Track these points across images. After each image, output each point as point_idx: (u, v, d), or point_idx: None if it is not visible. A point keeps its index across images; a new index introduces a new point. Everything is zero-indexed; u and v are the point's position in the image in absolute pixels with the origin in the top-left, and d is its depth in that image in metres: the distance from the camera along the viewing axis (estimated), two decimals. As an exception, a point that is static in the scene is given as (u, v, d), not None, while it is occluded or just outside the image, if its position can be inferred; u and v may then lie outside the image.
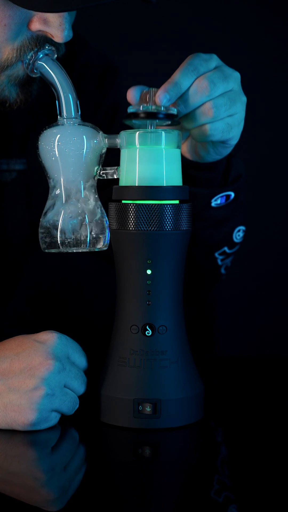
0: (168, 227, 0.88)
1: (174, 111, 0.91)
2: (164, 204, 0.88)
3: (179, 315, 0.91)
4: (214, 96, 0.95)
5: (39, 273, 1.32)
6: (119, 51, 1.52)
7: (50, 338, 0.88)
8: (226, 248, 1.16)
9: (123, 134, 0.91)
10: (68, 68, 0.98)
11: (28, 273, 1.30)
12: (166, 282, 0.89)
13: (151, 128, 0.92)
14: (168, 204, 0.88)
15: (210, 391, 0.96)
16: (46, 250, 0.93)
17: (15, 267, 1.28)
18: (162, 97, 0.92)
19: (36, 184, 1.17)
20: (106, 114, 1.25)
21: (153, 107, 0.91)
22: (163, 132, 0.90)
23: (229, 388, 1.05)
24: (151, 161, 0.89)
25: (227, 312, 1.71)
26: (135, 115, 0.90)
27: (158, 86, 0.94)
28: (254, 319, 1.73)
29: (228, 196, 1.11)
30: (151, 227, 0.88)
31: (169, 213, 0.88)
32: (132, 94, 0.95)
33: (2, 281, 1.28)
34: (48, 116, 1.05)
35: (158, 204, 0.88)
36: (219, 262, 1.17)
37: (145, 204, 0.88)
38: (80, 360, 0.90)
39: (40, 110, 1.16)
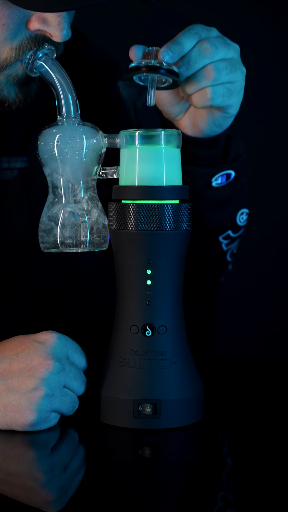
0: (168, 227, 0.88)
1: (176, 69, 0.91)
2: (164, 204, 0.88)
3: (179, 315, 0.91)
4: (216, 59, 0.97)
5: (39, 273, 1.31)
6: (119, 47, 1.52)
7: (49, 338, 0.87)
8: (230, 232, 1.16)
9: (123, 133, 0.91)
10: (69, 64, 0.98)
11: (28, 272, 1.29)
12: (166, 282, 0.89)
13: (152, 89, 0.91)
14: (168, 204, 0.88)
15: (210, 392, 0.95)
16: (46, 250, 0.92)
17: (16, 266, 1.28)
18: (164, 54, 0.92)
19: (38, 182, 1.17)
20: (107, 110, 1.25)
21: (155, 61, 0.91)
22: (163, 132, 0.90)
23: (229, 389, 1.05)
24: (151, 160, 0.89)
25: (227, 312, 1.71)
26: (136, 68, 0.90)
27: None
28: (254, 319, 1.73)
29: (228, 175, 1.11)
30: (151, 227, 0.88)
31: (169, 213, 0.88)
32: (135, 52, 0.95)
33: (2, 279, 1.27)
34: (49, 114, 1.05)
35: (158, 204, 0.88)
36: (224, 248, 1.17)
37: (145, 204, 0.88)
38: (80, 360, 0.90)
39: (42, 107, 1.16)
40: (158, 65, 0.91)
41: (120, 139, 0.91)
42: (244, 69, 1.00)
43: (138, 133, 0.89)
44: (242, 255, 1.66)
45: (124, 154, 0.91)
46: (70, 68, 0.95)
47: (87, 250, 0.92)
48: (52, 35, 0.93)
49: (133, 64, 0.91)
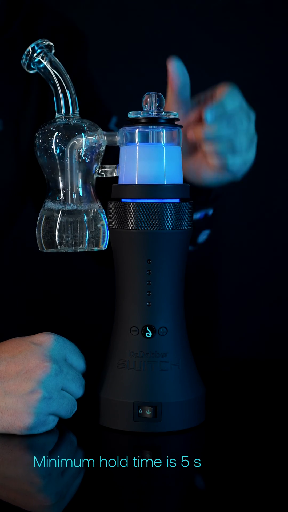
0: (169, 226, 0.87)
1: (175, 115, 0.90)
2: (164, 203, 0.87)
3: (180, 316, 0.90)
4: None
5: (37, 274, 1.31)
6: (116, 34, 1.52)
7: (47, 340, 0.86)
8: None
9: (123, 131, 0.90)
10: (30, 34, 0.96)
11: (26, 273, 1.29)
12: (166, 283, 0.88)
13: (152, 133, 0.91)
14: (169, 202, 0.87)
15: (212, 394, 0.95)
16: (45, 250, 0.91)
17: (3, 220, 1.24)
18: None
19: (13, 146, 1.14)
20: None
21: (154, 112, 0.90)
22: (163, 129, 0.89)
23: (231, 391, 1.04)
24: (151, 158, 0.88)
25: (228, 313, 1.70)
26: (136, 120, 0.89)
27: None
28: (255, 320, 1.73)
29: (207, 213, 1.14)
30: (151, 226, 0.87)
31: (169, 212, 0.87)
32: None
33: None
34: (25, 74, 1.03)
35: (159, 202, 0.87)
36: None
37: (145, 203, 0.87)
38: (78, 362, 0.89)
39: (16, 72, 1.14)
40: (157, 116, 0.90)
41: (119, 137, 0.90)
42: (256, 137, 1.04)
43: (138, 131, 0.88)
44: (242, 256, 1.65)
45: (123, 152, 0.90)
46: (31, 39, 0.93)
47: (86, 250, 0.91)
48: None
49: (132, 116, 0.91)
